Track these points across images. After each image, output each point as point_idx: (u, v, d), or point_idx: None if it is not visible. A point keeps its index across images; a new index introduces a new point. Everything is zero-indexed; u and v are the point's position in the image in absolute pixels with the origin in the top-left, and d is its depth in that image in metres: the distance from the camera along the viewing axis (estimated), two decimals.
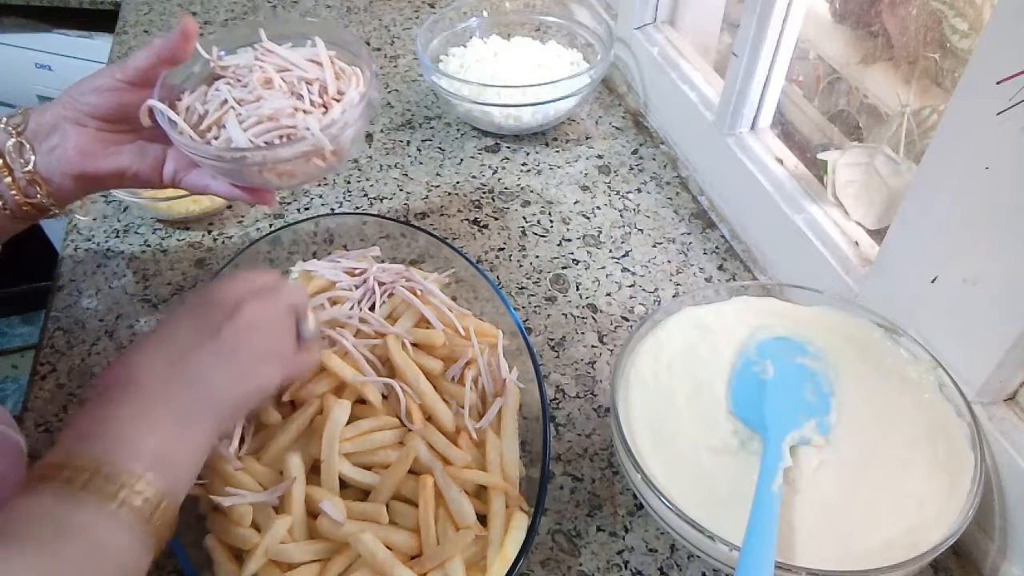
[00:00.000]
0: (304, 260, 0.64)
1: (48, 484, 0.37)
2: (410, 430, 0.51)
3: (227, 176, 0.54)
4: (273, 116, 0.51)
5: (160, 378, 0.42)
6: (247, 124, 0.52)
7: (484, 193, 0.79)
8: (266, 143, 0.51)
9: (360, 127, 0.55)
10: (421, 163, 0.83)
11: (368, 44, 1.03)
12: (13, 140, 0.51)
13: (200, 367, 0.43)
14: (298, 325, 0.49)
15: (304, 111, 0.53)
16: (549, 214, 0.77)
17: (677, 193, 0.80)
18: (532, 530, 0.46)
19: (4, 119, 0.51)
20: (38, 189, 0.52)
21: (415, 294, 0.58)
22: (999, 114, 0.42)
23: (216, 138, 0.52)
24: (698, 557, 0.47)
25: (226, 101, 0.53)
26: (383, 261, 0.63)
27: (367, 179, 0.81)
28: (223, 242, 0.74)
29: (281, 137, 0.52)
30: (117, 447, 0.39)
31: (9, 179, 0.51)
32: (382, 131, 0.88)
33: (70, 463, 0.37)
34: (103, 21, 1.28)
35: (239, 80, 0.54)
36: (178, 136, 0.51)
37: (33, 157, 0.51)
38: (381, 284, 0.60)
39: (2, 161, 0.51)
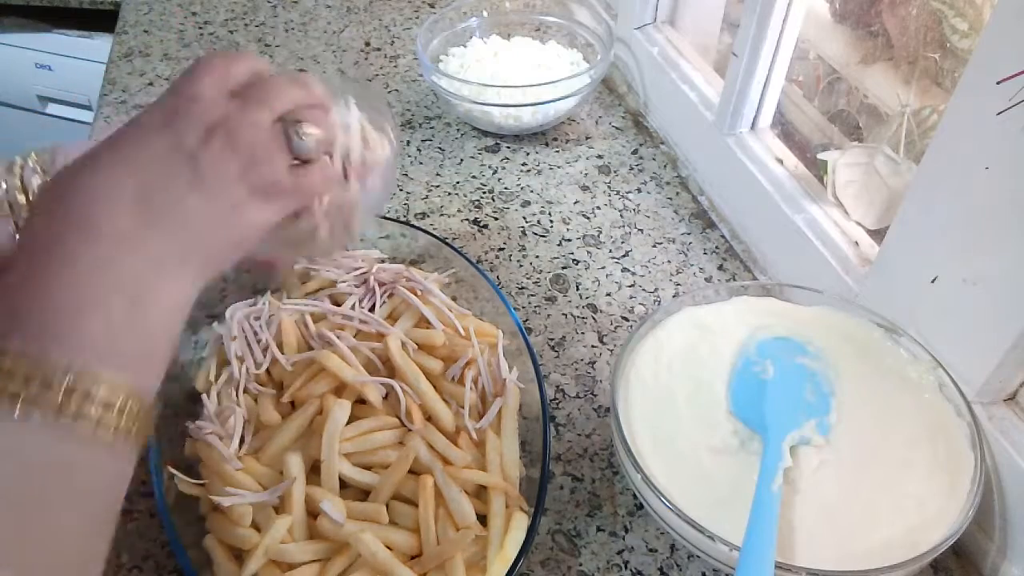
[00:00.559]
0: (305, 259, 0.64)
1: None
2: (410, 430, 0.51)
3: None
4: None
5: (125, 217, 0.32)
6: None
7: (484, 193, 0.79)
8: None
9: (376, 201, 0.50)
10: (421, 163, 0.83)
11: (368, 44, 1.03)
12: (39, 178, 0.48)
13: (177, 205, 0.34)
14: (291, 138, 0.39)
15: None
16: (549, 214, 0.77)
17: (677, 193, 0.80)
18: (532, 530, 0.46)
19: (33, 155, 0.49)
20: None
21: (415, 294, 0.58)
22: (999, 114, 0.42)
23: None
24: (698, 557, 0.47)
25: None
26: (383, 261, 0.63)
27: None
28: None
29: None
30: (61, 334, 0.29)
31: None
32: None
33: None
34: (103, 21, 1.28)
35: None
36: None
37: None
38: (381, 284, 0.60)
39: (26, 199, 0.48)
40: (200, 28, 1.07)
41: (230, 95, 0.37)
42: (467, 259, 0.62)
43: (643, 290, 0.70)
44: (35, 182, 0.48)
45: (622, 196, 0.79)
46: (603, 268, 0.72)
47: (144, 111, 0.37)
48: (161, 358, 0.34)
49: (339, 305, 0.58)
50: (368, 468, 0.50)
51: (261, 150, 0.37)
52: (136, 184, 0.33)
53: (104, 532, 0.31)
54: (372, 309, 0.58)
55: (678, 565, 0.51)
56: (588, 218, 0.77)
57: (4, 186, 0.48)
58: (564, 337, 0.65)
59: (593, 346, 0.65)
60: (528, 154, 0.85)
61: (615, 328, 0.66)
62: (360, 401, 0.53)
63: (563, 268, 0.71)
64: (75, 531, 0.29)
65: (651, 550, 0.52)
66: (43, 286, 0.30)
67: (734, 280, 0.71)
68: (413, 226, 0.65)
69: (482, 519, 0.48)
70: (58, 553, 0.29)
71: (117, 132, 0.36)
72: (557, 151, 0.85)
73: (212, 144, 0.35)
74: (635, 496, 0.53)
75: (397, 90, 0.94)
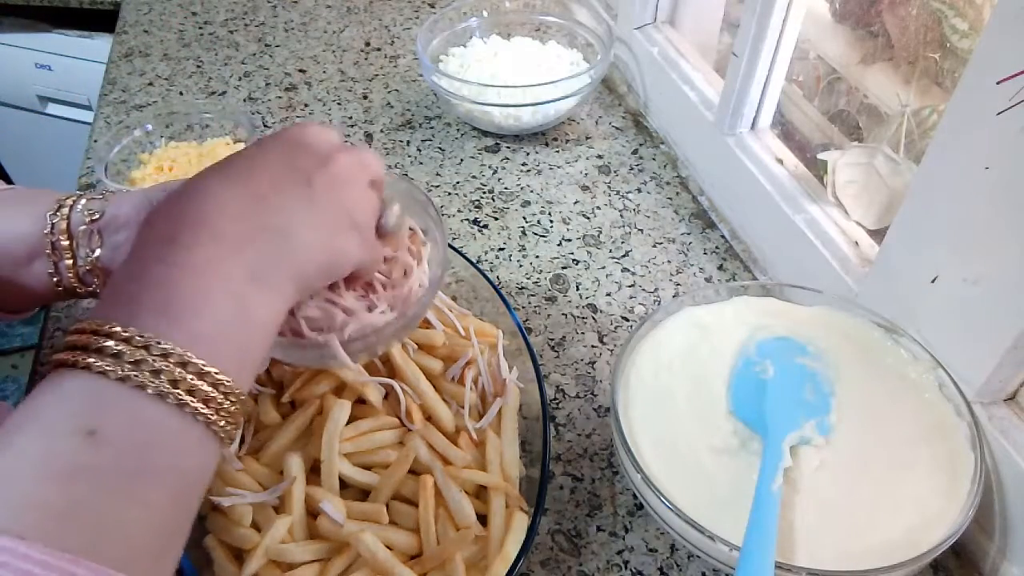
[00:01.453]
0: None
1: (77, 371, 0.30)
2: (410, 430, 0.51)
3: None
4: (308, 310, 0.44)
5: (238, 218, 0.34)
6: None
7: (484, 193, 0.79)
8: (293, 332, 0.45)
9: (416, 316, 0.48)
10: (421, 163, 0.83)
11: (368, 44, 1.03)
12: (86, 227, 0.48)
13: (287, 214, 0.35)
14: (382, 208, 0.42)
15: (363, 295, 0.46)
16: (549, 214, 0.77)
17: (677, 193, 0.80)
18: (532, 530, 0.46)
19: (84, 200, 0.49)
20: (95, 279, 0.49)
21: None
22: (999, 114, 0.42)
23: None
24: (698, 557, 0.47)
25: None
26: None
27: None
28: None
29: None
30: (174, 323, 0.31)
31: (71, 262, 0.48)
32: (382, 131, 0.88)
33: (108, 342, 0.30)
34: (103, 21, 1.28)
35: None
36: None
37: (99, 250, 0.48)
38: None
39: (69, 243, 0.48)
40: (200, 28, 1.07)
41: (330, 143, 0.40)
42: (467, 259, 0.61)
43: (643, 290, 0.70)
44: (81, 228, 0.48)
45: (622, 196, 0.79)
46: (603, 268, 0.72)
47: (261, 140, 0.40)
48: (253, 365, 0.35)
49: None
50: (368, 468, 0.50)
51: (361, 195, 0.40)
52: (252, 193, 0.35)
53: (191, 513, 0.32)
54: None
55: (678, 565, 0.51)
56: (588, 218, 0.77)
57: (51, 227, 0.48)
58: (564, 337, 0.65)
59: (593, 346, 0.65)
60: (528, 154, 0.85)
61: (615, 328, 0.66)
62: (360, 401, 0.53)
63: (563, 268, 0.71)
64: (172, 506, 0.30)
65: (651, 550, 0.52)
66: (161, 276, 0.32)
67: (734, 280, 0.71)
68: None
69: (482, 519, 0.48)
70: (159, 523, 0.30)
71: (240, 151, 0.39)
72: (557, 151, 0.85)
73: (325, 172, 0.38)
74: (635, 496, 0.54)
75: (397, 90, 0.94)
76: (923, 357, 0.51)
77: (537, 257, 0.73)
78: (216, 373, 0.31)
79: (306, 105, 0.92)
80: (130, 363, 0.30)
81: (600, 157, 0.84)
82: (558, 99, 0.81)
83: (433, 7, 1.12)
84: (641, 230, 0.75)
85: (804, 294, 0.57)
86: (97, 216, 0.48)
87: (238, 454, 0.51)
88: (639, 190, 0.80)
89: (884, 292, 0.55)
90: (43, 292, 0.49)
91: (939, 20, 0.59)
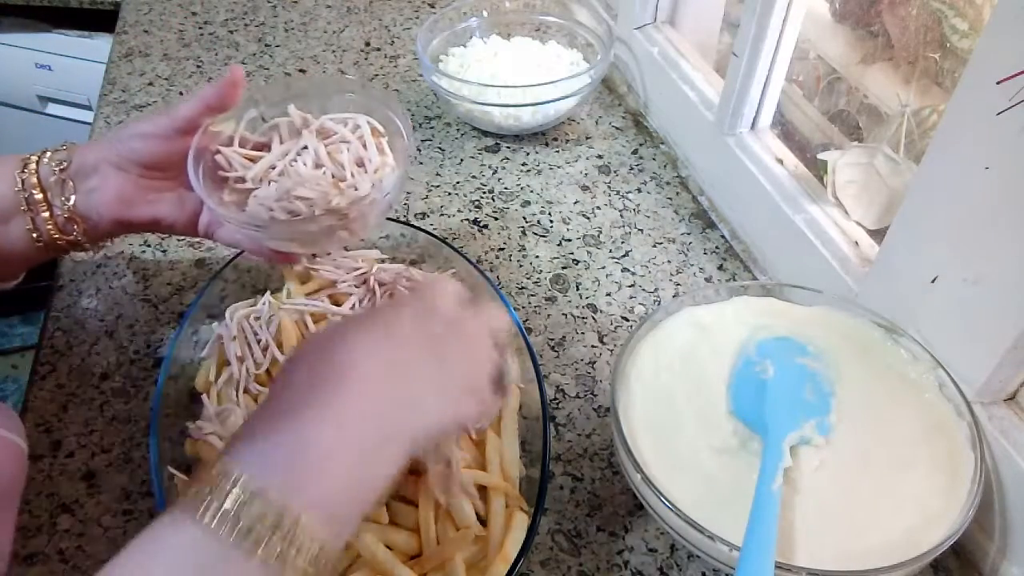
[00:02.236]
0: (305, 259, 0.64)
1: (193, 524, 0.31)
2: None
3: (254, 240, 0.55)
4: (303, 191, 0.52)
5: (378, 380, 0.36)
6: (277, 193, 0.53)
7: (484, 193, 0.79)
8: (291, 213, 0.52)
9: (389, 201, 0.55)
10: (421, 163, 0.83)
11: (368, 44, 1.03)
12: (55, 177, 0.51)
13: (416, 380, 0.37)
14: (503, 366, 0.44)
15: (338, 184, 0.54)
16: (549, 214, 0.77)
17: (677, 193, 0.80)
18: (532, 530, 0.46)
19: (49, 153, 0.51)
20: (75, 226, 0.52)
21: None
22: (999, 114, 0.42)
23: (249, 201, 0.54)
24: (698, 557, 0.47)
25: (272, 167, 0.55)
26: (383, 261, 0.63)
27: None
28: None
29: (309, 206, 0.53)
30: (297, 487, 0.32)
31: (47, 214, 0.51)
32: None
33: (229, 495, 0.31)
34: (103, 21, 1.28)
35: (281, 143, 0.56)
36: (209, 198, 0.52)
37: (73, 196, 0.51)
38: (381, 284, 0.60)
39: (43, 196, 0.50)
40: (200, 28, 1.07)
41: (459, 305, 0.43)
42: (467, 259, 0.61)
43: (643, 290, 0.70)
44: (51, 179, 0.51)
45: (622, 196, 0.79)
46: (603, 268, 0.72)
47: (399, 300, 0.45)
48: (360, 516, 0.35)
49: (339, 305, 0.58)
50: None
51: (485, 359, 0.42)
52: (389, 359, 0.37)
53: None
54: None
55: (678, 565, 0.51)
56: (588, 218, 0.77)
57: (20, 183, 0.50)
58: (564, 337, 0.65)
59: (593, 346, 0.65)
60: (528, 154, 0.85)
61: (615, 328, 0.66)
62: None
63: (563, 268, 0.71)
64: None
65: (651, 550, 0.52)
66: (293, 437, 0.33)
67: (734, 280, 0.71)
68: (413, 226, 0.65)
69: (482, 519, 0.48)
70: None
71: (381, 308, 0.42)
72: (557, 151, 0.85)
73: (455, 340, 0.40)
74: (635, 496, 0.53)
75: (397, 90, 0.94)
76: (923, 357, 0.51)
77: (537, 257, 0.73)
78: (322, 539, 0.32)
79: None
80: (245, 527, 0.30)
81: (600, 157, 0.84)
82: (558, 99, 0.81)
83: (433, 7, 1.12)
84: (641, 230, 0.75)
85: (804, 294, 0.57)
86: (65, 165, 0.51)
87: None
88: (639, 190, 0.80)
89: (884, 292, 0.55)
90: (24, 251, 0.52)
91: (939, 20, 0.59)
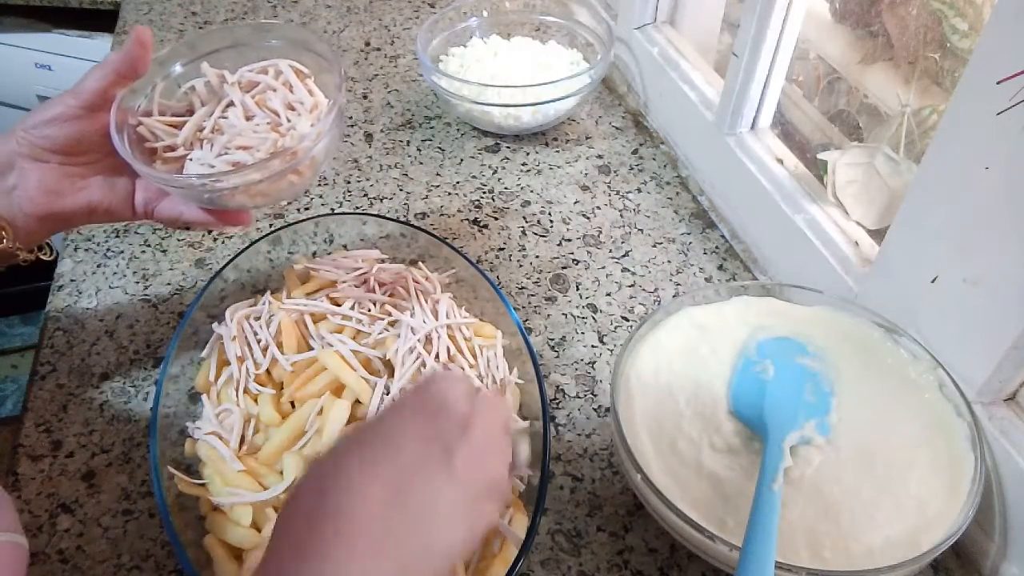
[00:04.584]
0: (305, 259, 0.64)
1: None
2: None
3: (200, 202, 0.52)
4: (243, 140, 0.51)
5: (380, 515, 0.32)
6: (215, 150, 0.51)
7: (484, 193, 0.79)
8: (235, 164, 0.50)
9: (333, 138, 0.53)
10: (421, 163, 0.83)
11: (368, 44, 1.03)
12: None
13: (429, 504, 0.34)
14: (516, 454, 0.42)
15: (275, 128, 0.52)
16: (549, 214, 0.77)
17: (677, 193, 0.80)
18: (532, 530, 0.46)
19: None
20: (2, 234, 0.47)
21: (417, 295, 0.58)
22: (999, 114, 0.42)
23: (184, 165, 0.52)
24: (698, 557, 0.47)
25: (202, 132, 0.52)
26: (383, 261, 0.63)
27: (367, 179, 0.81)
28: (223, 242, 0.74)
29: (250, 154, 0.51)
30: None
31: None
32: (382, 131, 0.88)
33: None
34: (103, 21, 1.28)
35: (205, 104, 0.54)
36: (145, 168, 0.49)
37: None
38: (381, 284, 0.60)
39: None
40: (200, 28, 1.07)
41: (467, 401, 0.39)
42: (467, 259, 0.62)
43: (643, 290, 0.70)
44: None
45: (622, 196, 0.79)
46: (603, 268, 0.72)
47: (397, 405, 0.38)
48: None
49: (339, 305, 0.58)
50: None
51: (500, 457, 0.38)
52: (395, 484, 0.33)
53: None
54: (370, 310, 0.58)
55: (678, 565, 0.51)
56: (588, 218, 0.77)
57: None
58: (564, 337, 0.65)
59: (593, 346, 0.65)
60: (528, 154, 0.85)
61: (615, 328, 0.66)
62: (359, 401, 0.53)
63: (563, 268, 0.71)
64: None
65: (651, 550, 0.52)
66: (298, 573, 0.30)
67: (734, 280, 0.71)
68: (413, 226, 0.65)
69: None
70: None
71: (380, 418, 0.37)
72: (557, 151, 0.85)
73: (466, 444, 0.36)
74: (635, 496, 0.53)
75: (397, 90, 0.94)
76: (923, 357, 0.51)
77: (537, 257, 0.73)
78: None
79: None
80: None
81: (600, 157, 0.84)
82: (558, 99, 0.81)
83: (433, 7, 1.12)
84: (641, 230, 0.75)
85: (804, 294, 0.57)
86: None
87: (238, 454, 0.51)
88: (639, 190, 0.80)
89: (884, 292, 0.55)
90: None
91: (939, 20, 0.59)
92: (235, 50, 0.56)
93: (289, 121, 0.53)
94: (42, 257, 0.53)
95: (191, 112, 0.54)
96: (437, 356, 0.54)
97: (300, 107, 0.53)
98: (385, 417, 0.37)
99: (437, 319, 0.57)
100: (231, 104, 0.53)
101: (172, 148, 0.52)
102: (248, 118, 0.53)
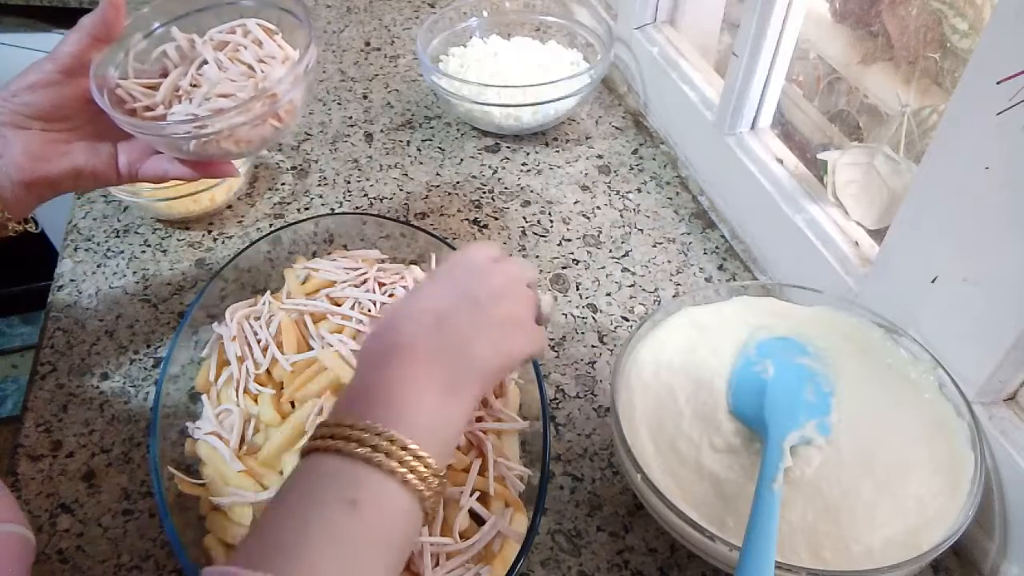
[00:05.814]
0: (305, 259, 0.64)
1: (329, 454, 0.36)
2: None
3: (185, 154, 0.52)
4: (222, 88, 0.51)
5: (430, 344, 0.41)
6: (196, 101, 0.51)
7: (484, 193, 0.79)
8: (218, 112, 0.50)
9: (308, 84, 0.54)
10: (421, 163, 0.83)
11: (368, 44, 1.03)
12: None
13: (464, 333, 0.42)
14: (539, 305, 0.48)
15: (251, 75, 0.53)
16: (549, 214, 0.77)
17: (677, 193, 0.80)
18: (532, 530, 0.46)
19: None
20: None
21: None
22: (999, 114, 0.42)
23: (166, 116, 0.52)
24: (698, 557, 0.47)
25: (177, 88, 0.53)
26: (383, 261, 0.63)
27: (367, 179, 0.81)
28: (223, 242, 0.74)
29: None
30: (397, 418, 0.37)
31: None
32: (382, 131, 0.88)
33: (353, 431, 0.36)
34: None
35: (178, 66, 0.54)
36: (129, 120, 0.50)
37: None
38: (381, 284, 0.60)
39: None
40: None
41: (494, 261, 0.47)
42: None
43: (643, 290, 0.70)
44: None
45: (622, 196, 0.79)
46: (603, 268, 0.72)
47: (434, 271, 0.49)
48: (449, 454, 0.40)
49: (339, 305, 0.58)
50: None
51: (519, 299, 0.46)
52: (433, 323, 0.42)
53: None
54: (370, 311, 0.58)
55: (678, 565, 0.51)
56: (588, 218, 0.77)
57: None
58: (564, 337, 0.65)
59: (593, 346, 0.65)
60: (528, 154, 0.85)
61: (615, 328, 0.66)
62: None
63: (563, 268, 0.71)
64: (394, 570, 0.36)
65: (651, 550, 0.52)
66: (381, 388, 0.39)
67: (734, 280, 0.71)
68: (413, 226, 0.65)
69: (481, 519, 0.48)
70: None
71: (422, 283, 0.47)
72: (557, 151, 0.85)
73: (487, 289, 0.44)
74: (635, 496, 0.53)
75: (397, 90, 0.94)
76: (923, 357, 0.51)
77: (537, 257, 0.73)
78: (428, 457, 0.37)
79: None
80: (370, 446, 0.36)
81: (600, 157, 0.84)
82: (558, 99, 0.81)
83: (433, 7, 1.12)
84: (641, 230, 0.75)
85: (804, 294, 0.57)
86: None
87: (238, 454, 0.51)
88: (639, 190, 0.80)
89: (884, 292, 0.55)
90: None
91: (939, 20, 0.59)
92: (205, 12, 0.56)
93: (263, 73, 0.53)
94: (28, 229, 0.54)
95: (165, 75, 0.54)
96: None
97: (272, 61, 0.54)
98: (423, 286, 0.46)
99: None
100: (205, 62, 0.54)
101: (151, 108, 0.52)
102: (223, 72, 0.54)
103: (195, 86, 0.53)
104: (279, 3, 0.57)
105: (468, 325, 0.42)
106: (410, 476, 0.36)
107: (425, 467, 0.37)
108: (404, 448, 0.36)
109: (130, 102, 0.53)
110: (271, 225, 0.75)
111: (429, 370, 0.40)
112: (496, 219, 0.76)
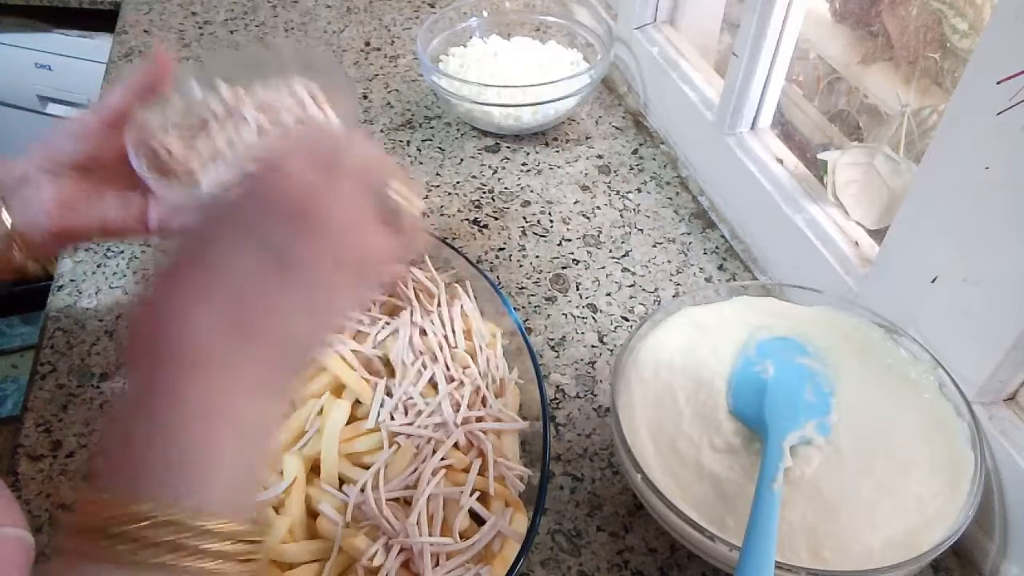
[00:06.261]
0: None
1: (97, 564, 0.28)
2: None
3: None
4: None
5: (222, 344, 0.30)
6: (230, 165, 0.51)
7: (484, 193, 0.79)
8: None
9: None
10: (421, 163, 0.83)
11: (368, 44, 1.03)
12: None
13: (273, 316, 0.31)
14: (383, 207, 0.36)
15: None
16: (549, 214, 0.77)
17: (677, 193, 0.80)
18: (532, 530, 0.46)
19: None
20: (14, 249, 0.46)
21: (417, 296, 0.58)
22: (999, 114, 0.42)
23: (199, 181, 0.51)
24: (698, 557, 0.47)
25: (216, 149, 0.52)
26: None
27: None
28: None
29: None
30: (183, 481, 0.28)
31: None
32: (382, 131, 0.88)
33: (123, 526, 0.27)
34: (103, 21, 1.28)
35: (220, 122, 0.54)
36: (161, 186, 0.49)
37: (5, 213, 0.45)
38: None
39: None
40: (200, 28, 1.07)
41: (304, 175, 0.34)
42: (467, 259, 0.61)
43: (643, 290, 0.70)
44: None
45: (622, 196, 0.79)
46: (603, 268, 0.71)
47: (213, 209, 0.34)
48: (258, 473, 0.32)
49: None
50: (367, 468, 0.50)
51: (357, 219, 0.34)
52: (225, 304, 0.31)
53: None
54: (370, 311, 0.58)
55: (678, 565, 0.51)
56: (588, 218, 0.77)
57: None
58: (564, 337, 0.65)
59: (593, 346, 0.65)
60: (528, 154, 0.85)
61: (615, 328, 0.66)
62: (359, 401, 0.53)
63: (563, 268, 0.71)
64: None
65: (651, 550, 0.52)
66: (155, 437, 0.29)
67: (734, 280, 0.71)
68: None
69: (481, 519, 0.48)
70: None
71: (190, 236, 0.33)
72: (557, 151, 0.85)
73: (302, 241, 0.32)
74: (635, 496, 0.53)
75: (397, 90, 0.94)
76: (923, 357, 0.51)
77: (537, 257, 0.73)
78: (236, 528, 0.28)
79: None
80: (152, 546, 0.27)
81: (600, 157, 0.84)
82: (558, 99, 0.81)
83: (433, 7, 1.12)
84: (641, 230, 0.75)
85: (804, 294, 0.57)
86: None
87: None
88: (639, 190, 0.80)
89: (884, 292, 0.55)
90: None
91: (939, 20, 0.59)
92: (250, 70, 0.56)
93: None
94: (50, 270, 0.53)
95: (205, 130, 0.54)
96: (435, 356, 0.54)
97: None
98: (197, 234, 0.33)
99: (440, 319, 0.57)
100: (244, 121, 0.53)
101: (187, 165, 0.52)
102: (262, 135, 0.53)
103: (231, 147, 0.52)
104: (321, 67, 0.55)
105: (277, 304, 0.32)
106: (210, 564, 0.27)
107: (231, 539, 0.28)
108: (200, 533, 0.27)
109: (167, 157, 0.52)
110: None
111: (225, 388, 0.30)
112: (496, 219, 0.76)
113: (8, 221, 0.45)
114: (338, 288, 0.34)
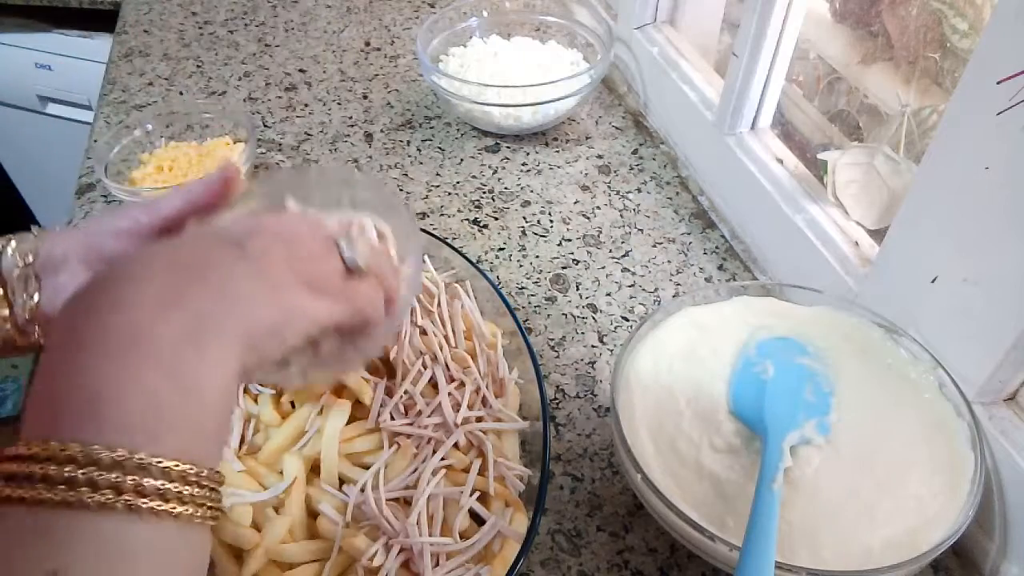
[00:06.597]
0: None
1: (16, 508, 0.26)
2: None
3: None
4: None
5: (156, 286, 0.30)
6: None
7: (484, 193, 0.79)
8: None
9: (400, 317, 0.46)
10: (421, 163, 0.83)
11: (368, 44, 1.03)
12: (20, 271, 0.43)
13: (223, 274, 0.31)
14: (341, 247, 0.38)
15: None
16: (549, 214, 0.77)
17: (677, 193, 0.80)
18: (532, 530, 0.46)
19: (14, 242, 0.44)
20: (37, 329, 0.44)
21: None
22: (999, 114, 0.42)
23: None
24: (698, 557, 0.47)
25: None
26: None
27: None
28: None
29: None
30: (99, 423, 0.27)
31: (7, 312, 0.42)
32: (382, 131, 0.88)
33: (35, 466, 0.27)
34: (103, 21, 1.28)
35: None
36: None
37: (38, 294, 0.43)
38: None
39: (3, 291, 0.43)
40: (200, 28, 1.07)
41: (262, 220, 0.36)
42: (467, 259, 0.61)
43: (643, 290, 0.70)
44: (15, 273, 0.43)
45: (622, 196, 0.79)
46: (603, 268, 0.72)
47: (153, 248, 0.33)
48: (214, 435, 0.30)
49: None
50: (367, 468, 0.50)
51: (307, 245, 0.36)
52: (173, 263, 0.31)
53: None
54: None
55: (678, 565, 0.51)
56: (588, 218, 0.77)
57: None
58: (564, 337, 0.65)
59: (593, 346, 0.65)
60: (528, 154, 0.85)
61: (615, 328, 0.66)
62: (360, 401, 0.53)
63: (563, 268, 0.71)
64: None
65: (651, 550, 0.52)
66: (78, 366, 0.28)
67: (734, 280, 0.71)
68: None
69: (481, 519, 0.48)
70: None
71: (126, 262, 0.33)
72: (557, 151, 0.85)
73: (262, 236, 0.33)
74: (635, 496, 0.53)
75: (397, 90, 0.94)
76: (923, 357, 0.51)
77: (537, 257, 0.73)
78: (159, 463, 0.27)
79: (306, 105, 0.92)
80: (63, 484, 0.26)
81: (600, 157, 0.84)
82: (558, 99, 0.81)
83: (433, 7, 1.12)
84: (641, 230, 0.75)
85: (804, 294, 0.57)
86: (32, 259, 0.43)
87: (238, 454, 0.51)
88: (639, 190, 0.80)
89: (884, 292, 0.55)
90: None
91: (939, 20, 0.59)
92: (323, 193, 0.49)
93: None
94: None
95: None
96: (435, 356, 0.54)
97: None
98: (146, 252, 0.32)
99: (440, 319, 0.57)
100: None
101: None
102: None
103: None
104: (391, 206, 0.49)
105: (230, 268, 0.32)
106: (139, 501, 0.26)
107: (163, 476, 0.27)
108: (117, 466, 0.26)
109: None
110: None
111: (157, 322, 0.28)
112: (496, 219, 0.76)
113: (36, 300, 0.43)
114: (295, 289, 0.34)
